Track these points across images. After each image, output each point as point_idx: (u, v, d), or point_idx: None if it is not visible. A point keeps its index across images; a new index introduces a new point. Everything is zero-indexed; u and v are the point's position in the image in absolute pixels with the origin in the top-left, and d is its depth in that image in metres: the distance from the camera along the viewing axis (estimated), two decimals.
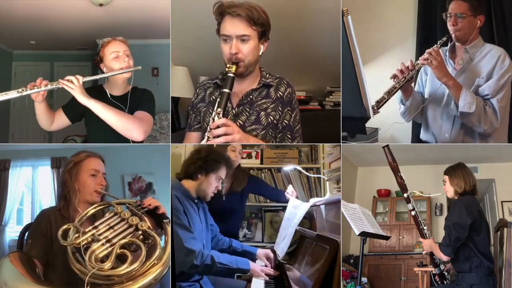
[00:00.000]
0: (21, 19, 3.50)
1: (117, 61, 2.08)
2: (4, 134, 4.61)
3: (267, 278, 2.04)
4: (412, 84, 2.37)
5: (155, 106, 2.18)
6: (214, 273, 1.95)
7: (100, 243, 1.49)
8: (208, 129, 1.78)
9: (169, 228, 1.71)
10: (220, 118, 1.76)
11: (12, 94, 1.87)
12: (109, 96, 2.10)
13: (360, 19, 2.32)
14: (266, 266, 2.20)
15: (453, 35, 2.23)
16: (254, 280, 2.04)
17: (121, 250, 1.50)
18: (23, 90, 1.87)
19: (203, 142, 1.80)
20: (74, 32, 3.89)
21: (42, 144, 4.39)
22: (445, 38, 2.24)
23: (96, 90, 2.15)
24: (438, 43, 2.22)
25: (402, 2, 3.01)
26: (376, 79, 2.36)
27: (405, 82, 2.24)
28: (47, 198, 3.97)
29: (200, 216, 2.09)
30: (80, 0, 3.15)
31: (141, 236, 1.58)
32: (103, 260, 1.46)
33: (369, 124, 2.30)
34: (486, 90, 2.17)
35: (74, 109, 2.10)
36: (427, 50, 2.18)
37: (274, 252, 2.33)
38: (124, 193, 3.74)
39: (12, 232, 3.91)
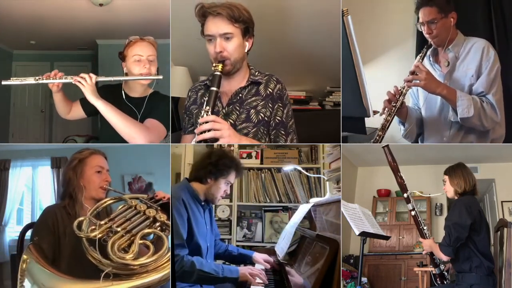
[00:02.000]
0: (21, 19, 3.50)
1: (137, 66, 2.02)
2: (4, 134, 4.61)
3: (264, 280, 1.95)
4: (406, 98, 2.31)
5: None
6: (196, 281, 1.87)
7: (119, 234, 1.51)
8: (198, 126, 1.78)
9: None
10: (209, 115, 1.76)
11: (29, 80, 1.94)
12: (124, 96, 2.07)
13: (360, 19, 2.32)
14: (265, 269, 2.16)
15: (431, 42, 2.20)
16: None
17: (142, 240, 1.52)
18: (39, 78, 1.94)
19: (193, 140, 1.80)
20: (74, 32, 3.90)
21: (42, 144, 4.40)
22: (425, 50, 2.21)
23: (112, 89, 2.11)
24: (419, 56, 2.18)
25: (402, 2, 3.01)
26: (376, 79, 2.36)
27: (396, 112, 2.20)
28: (47, 198, 3.98)
29: (206, 219, 2.08)
30: (80, 0, 3.15)
31: (159, 228, 1.61)
32: (125, 250, 1.49)
33: (369, 124, 2.30)
34: (480, 88, 2.15)
35: (90, 104, 2.04)
36: (410, 70, 2.14)
37: (273, 253, 2.33)
38: None
39: (12, 232, 3.92)
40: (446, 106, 2.24)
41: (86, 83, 1.91)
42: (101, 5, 3.15)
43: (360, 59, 1.96)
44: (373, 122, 2.32)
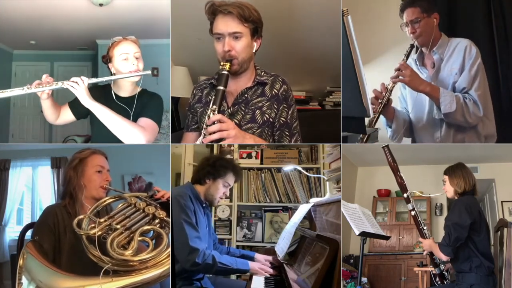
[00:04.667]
0: (21, 19, 3.50)
1: (125, 63, 2.04)
2: (4, 134, 4.61)
3: (268, 274, 2.08)
4: (395, 103, 2.38)
5: (163, 112, 2.15)
6: (214, 273, 1.98)
7: (118, 231, 1.52)
8: (204, 126, 1.78)
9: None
10: (216, 114, 1.77)
11: (17, 92, 1.88)
12: (114, 97, 2.08)
13: (360, 19, 2.33)
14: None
15: (416, 43, 2.26)
16: (254, 278, 2.04)
17: (142, 237, 1.54)
18: (28, 88, 1.89)
19: (199, 140, 1.80)
20: (74, 32, 3.89)
21: (42, 144, 4.39)
22: (409, 49, 2.27)
23: (102, 90, 2.12)
24: (404, 56, 2.25)
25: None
26: (376, 79, 2.36)
27: (382, 108, 2.25)
28: (47, 198, 3.97)
29: (205, 221, 2.13)
30: (80, 0, 3.15)
31: (158, 225, 1.62)
32: (124, 247, 1.50)
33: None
34: (462, 84, 2.20)
35: (79, 106, 2.06)
36: (395, 68, 2.21)
37: (273, 253, 2.33)
38: None
39: (12, 232, 3.91)
40: (434, 106, 2.28)
41: (79, 86, 1.91)
42: (101, 5, 3.15)
43: (360, 59, 1.96)
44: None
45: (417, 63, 2.35)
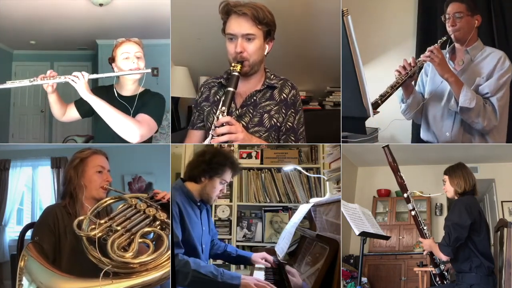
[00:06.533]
0: (21, 19, 3.50)
1: (126, 62, 2.09)
2: (4, 134, 4.61)
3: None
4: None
5: (163, 111, 2.16)
6: (191, 284, 1.71)
7: (119, 233, 1.52)
8: (213, 127, 1.78)
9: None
10: (225, 116, 1.76)
11: (24, 83, 1.99)
12: (116, 95, 2.11)
13: (360, 19, 2.33)
14: (265, 268, 2.17)
15: (452, 36, 2.25)
16: (255, 272, 2.03)
17: (142, 239, 1.54)
18: (34, 79, 2.00)
19: (207, 140, 1.80)
20: (74, 32, 3.90)
21: (42, 144, 4.40)
22: (445, 38, 2.27)
23: (105, 89, 2.17)
24: (438, 42, 2.25)
25: (402, 2, 3.01)
26: (376, 79, 2.36)
27: (407, 78, 2.26)
28: (47, 198, 3.97)
29: (202, 220, 2.03)
30: (80, 0, 3.15)
31: (159, 227, 1.62)
32: (124, 249, 1.50)
33: (369, 124, 2.30)
34: (486, 89, 2.19)
35: (85, 105, 2.10)
36: (429, 48, 2.21)
37: (273, 253, 2.33)
38: None
39: (12, 232, 3.91)
40: (452, 99, 2.27)
41: (79, 80, 1.97)
42: (101, 5, 3.15)
43: (360, 59, 1.96)
44: (373, 122, 2.32)
45: (447, 55, 2.35)
